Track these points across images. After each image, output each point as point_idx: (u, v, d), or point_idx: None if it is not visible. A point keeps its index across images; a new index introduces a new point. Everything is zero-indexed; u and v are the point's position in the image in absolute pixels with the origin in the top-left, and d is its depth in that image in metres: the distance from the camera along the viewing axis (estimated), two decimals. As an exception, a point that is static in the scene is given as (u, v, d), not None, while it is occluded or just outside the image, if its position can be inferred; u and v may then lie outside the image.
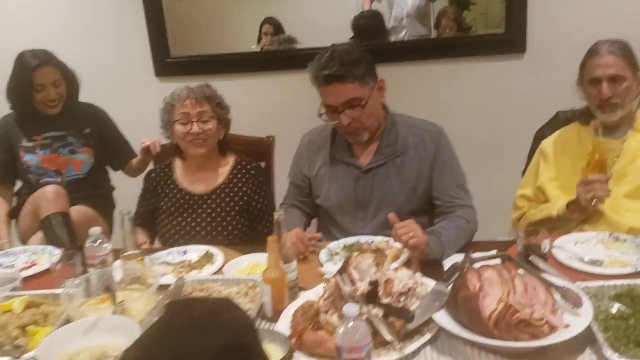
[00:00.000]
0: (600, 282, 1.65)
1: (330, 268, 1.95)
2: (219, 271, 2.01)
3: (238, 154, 2.52)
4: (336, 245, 2.14)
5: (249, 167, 2.47)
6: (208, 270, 2.03)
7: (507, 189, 2.89)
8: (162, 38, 3.19)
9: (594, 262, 1.85)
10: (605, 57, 2.19)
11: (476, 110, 3.11)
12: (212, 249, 2.16)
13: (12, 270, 2.11)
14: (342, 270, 1.71)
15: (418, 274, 1.68)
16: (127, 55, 3.27)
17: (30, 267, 2.16)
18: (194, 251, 2.18)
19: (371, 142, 2.28)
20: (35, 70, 2.74)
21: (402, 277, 1.63)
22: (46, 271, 2.10)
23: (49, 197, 2.57)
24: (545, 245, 1.83)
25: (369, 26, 3.35)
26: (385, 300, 1.58)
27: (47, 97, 2.80)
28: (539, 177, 2.35)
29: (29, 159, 2.87)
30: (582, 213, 2.16)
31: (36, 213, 2.61)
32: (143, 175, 2.92)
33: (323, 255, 2.06)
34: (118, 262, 1.94)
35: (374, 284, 1.62)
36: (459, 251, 1.99)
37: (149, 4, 3.18)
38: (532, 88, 3.03)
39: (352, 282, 1.66)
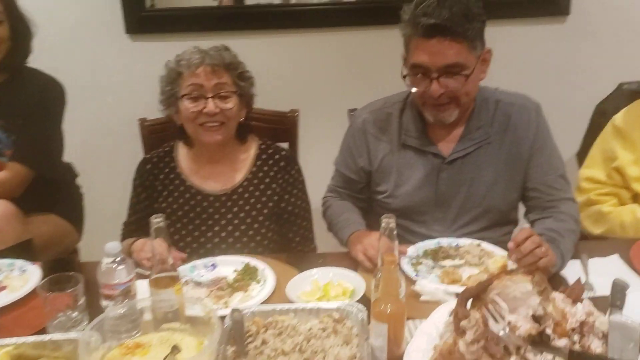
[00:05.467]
0: None
1: (427, 287, 1.49)
2: (274, 294, 1.49)
3: (259, 136, 1.96)
4: (414, 250, 1.67)
5: (277, 156, 1.90)
6: (257, 291, 1.51)
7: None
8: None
9: None
10: None
11: (516, 79, 2.72)
12: (252, 260, 1.63)
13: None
14: (477, 296, 1.25)
15: (587, 302, 1.25)
16: (90, 7, 2.61)
17: (-4, 291, 1.55)
18: (226, 264, 1.65)
19: (455, 125, 1.79)
20: None
21: (576, 309, 1.19)
22: (26, 298, 1.51)
23: None
24: None
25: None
26: (560, 343, 1.14)
27: None
28: (618, 159, 2.00)
29: None
30: None
31: None
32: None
33: (405, 265, 1.58)
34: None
35: (539, 320, 1.17)
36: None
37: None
38: (576, 56, 2.66)
39: (499, 314, 1.21)
